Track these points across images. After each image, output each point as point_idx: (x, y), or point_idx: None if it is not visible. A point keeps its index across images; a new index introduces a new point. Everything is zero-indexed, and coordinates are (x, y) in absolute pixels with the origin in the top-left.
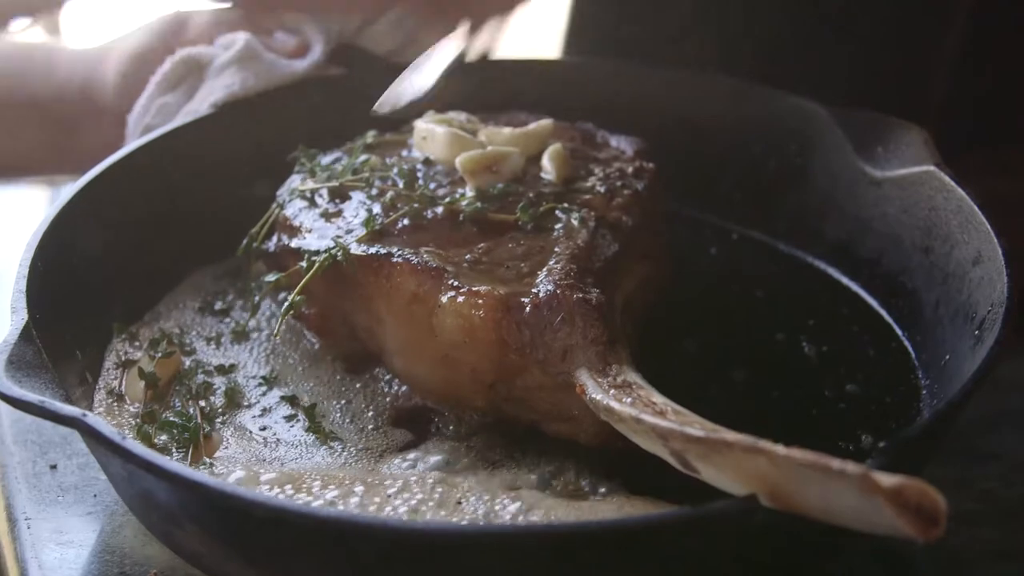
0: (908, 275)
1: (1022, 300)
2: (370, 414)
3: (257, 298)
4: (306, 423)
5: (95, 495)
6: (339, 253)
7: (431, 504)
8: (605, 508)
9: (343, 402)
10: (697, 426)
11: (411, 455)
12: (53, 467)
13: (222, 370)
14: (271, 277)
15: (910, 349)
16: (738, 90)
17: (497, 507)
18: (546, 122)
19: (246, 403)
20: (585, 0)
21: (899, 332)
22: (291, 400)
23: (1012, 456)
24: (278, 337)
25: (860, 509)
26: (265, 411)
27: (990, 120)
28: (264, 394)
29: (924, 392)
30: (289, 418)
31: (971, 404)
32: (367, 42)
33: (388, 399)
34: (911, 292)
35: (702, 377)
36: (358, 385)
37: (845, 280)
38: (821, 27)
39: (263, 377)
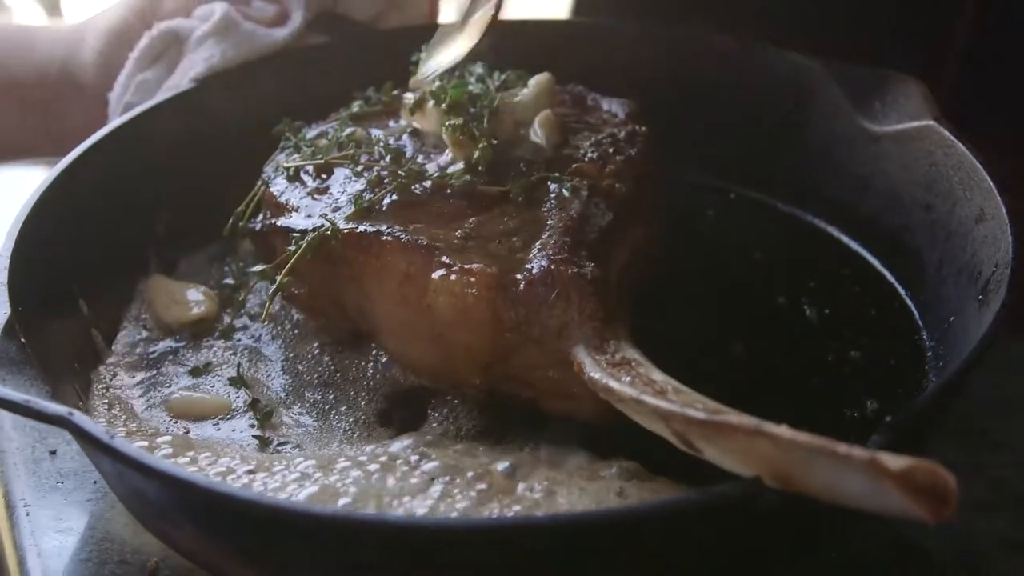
0: (910, 233)
1: None
2: (363, 396)
3: (241, 296)
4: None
5: (95, 481)
6: (327, 232)
7: (423, 494)
8: (605, 493)
9: (334, 384)
10: (699, 406)
11: (405, 439)
12: (52, 453)
13: (201, 370)
14: (256, 268)
15: (913, 309)
16: (732, 48)
17: (495, 496)
18: (535, 88)
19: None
20: None
21: (902, 292)
22: (253, 405)
23: None
24: (266, 322)
25: (868, 492)
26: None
27: (1002, 104)
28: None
29: (929, 354)
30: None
31: (983, 387)
32: (347, 9)
33: (382, 380)
34: (913, 251)
35: (703, 345)
36: (350, 366)
37: (846, 239)
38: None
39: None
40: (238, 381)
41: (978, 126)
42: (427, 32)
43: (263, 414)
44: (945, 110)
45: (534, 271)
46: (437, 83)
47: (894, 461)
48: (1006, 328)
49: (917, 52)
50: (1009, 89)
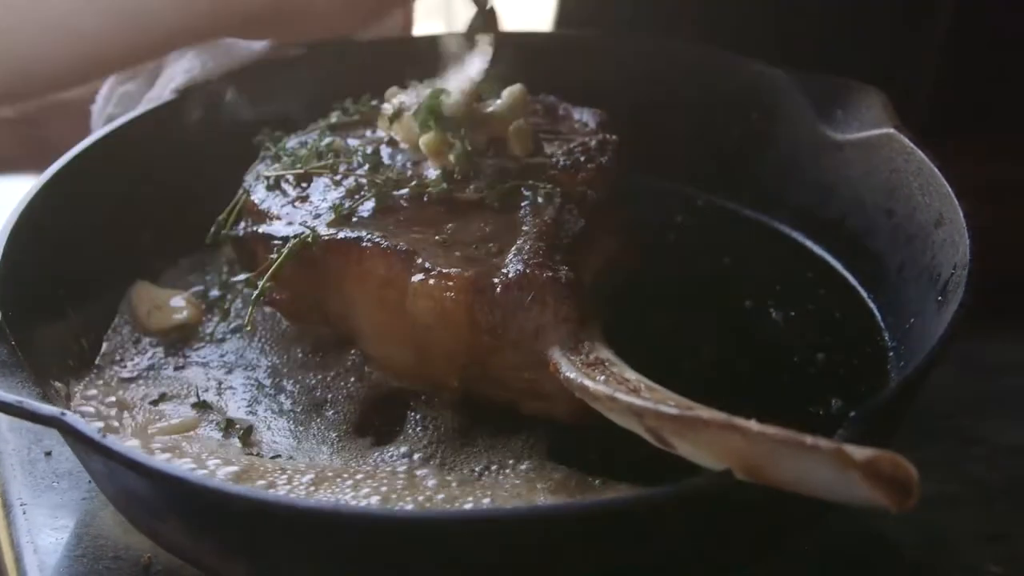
0: (872, 238)
1: (1003, 281)
2: (342, 405)
3: (227, 304)
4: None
5: (89, 480)
6: (308, 238)
7: (403, 492)
8: (579, 493)
9: (316, 389)
10: (671, 403)
11: (386, 442)
12: (48, 454)
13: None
14: (240, 277)
15: (876, 311)
16: (697, 57)
17: (474, 491)
18: (508, 99)
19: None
20: None
21: (864, 295)
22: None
23: (998, 440)
24: (248, 328)
25: (834, 482)
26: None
27: (981, 105)
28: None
29: (891, 354)
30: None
31: (956, 385)
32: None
33: (362, 384)
34: (875, 255)
35: (672, 347)
36: (332, 371)
37: (810, 244)
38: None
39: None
40: (200, 406)
41: (952, 133)
42: (403, 44)
43: (243, 432)
44: (919, 117)
45: (510, 275)
46: (413, 94)
47: (859, 452)
48: (970, 326)
49: (890, 61)
50: (982, 96)
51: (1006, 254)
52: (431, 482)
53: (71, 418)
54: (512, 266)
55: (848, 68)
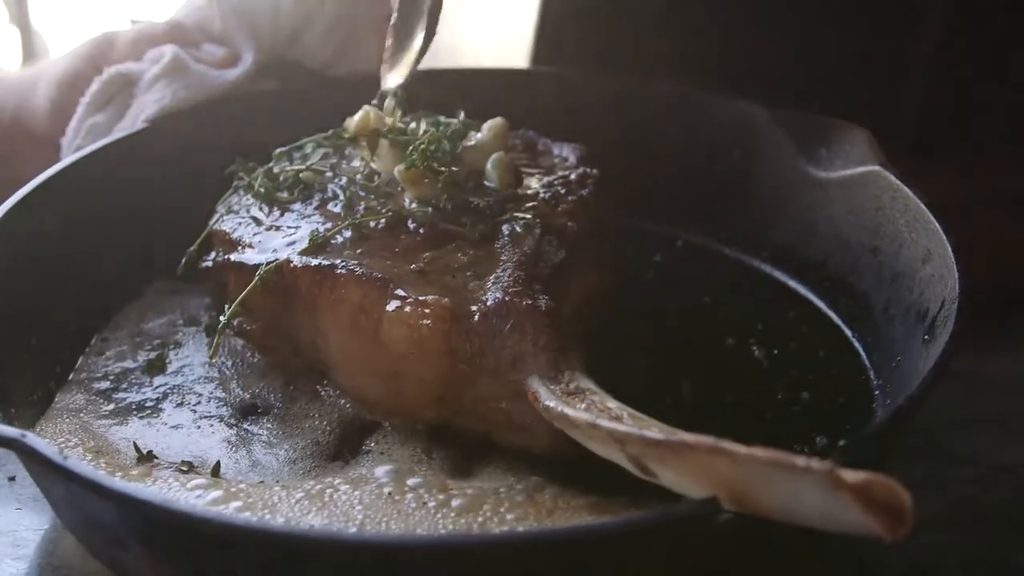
0: (856, 276)
1: (994, 298)
2: (314, 433)
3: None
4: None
5: None
6: (281, 266)
7: (376, 519)
8: (559, 519)
9: (286, 422)
10: (655, 429)
11: (356, 472)
12: (11, 479)
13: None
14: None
15: (860, 350)
16: (679, 95)
17: (446, 520)
18: (489, 132)
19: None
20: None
21: (848, 333)
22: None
23: (987, 459)
24: (214, 359)
25: (825, 508)
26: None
27: (968, 126)
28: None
29: (877, 392)
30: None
31: (945, 405)
32: (297, 55)
33: (333, 415)
34: (860, 293)
35: (653, 385)
36: (302, 403)
37: (793, 283)
38: (794, 37)
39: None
40: (144, 459)
41: (940, 148)
42: (376, 80)
43: (213, 467)
44: (908, 134)
45: (489, 303)
46: (390, 123)
47: (852, 475)
48: (960, 343)
49: (879, 81)
50: (970, 112)
51: (996, 270)
52: (407, 511)
53: (32, 439)
54: (491, 294)
55: (837, 89)
